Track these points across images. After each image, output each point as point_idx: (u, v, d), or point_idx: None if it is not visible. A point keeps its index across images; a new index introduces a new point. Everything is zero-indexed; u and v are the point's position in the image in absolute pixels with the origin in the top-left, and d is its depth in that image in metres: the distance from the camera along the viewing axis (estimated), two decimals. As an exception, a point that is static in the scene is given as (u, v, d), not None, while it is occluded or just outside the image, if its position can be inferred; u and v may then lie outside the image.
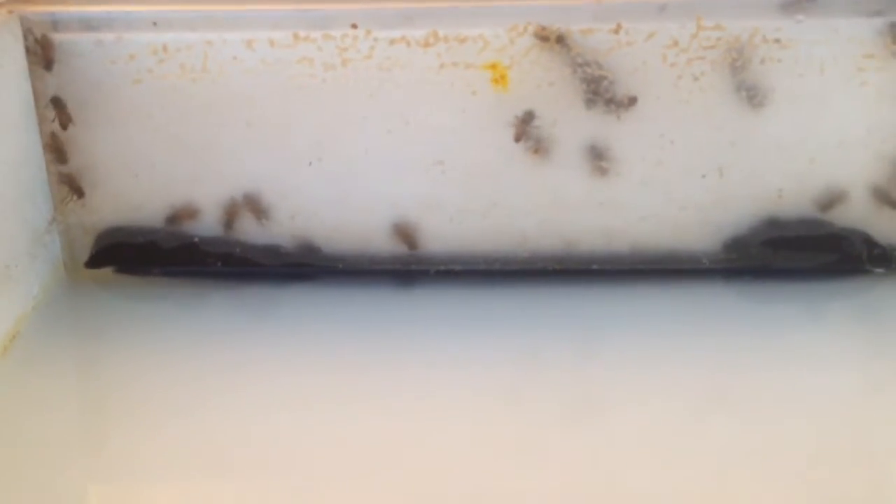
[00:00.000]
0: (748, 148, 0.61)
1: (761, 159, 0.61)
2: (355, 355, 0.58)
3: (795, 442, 0.51)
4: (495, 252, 0.64)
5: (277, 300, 0.64)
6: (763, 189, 0.62)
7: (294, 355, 0.58)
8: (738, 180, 0.62)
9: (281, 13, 0.59)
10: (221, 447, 0.52)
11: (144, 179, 0.63)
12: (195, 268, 0.65)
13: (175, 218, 0.64)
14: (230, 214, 0.63)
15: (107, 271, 0.65)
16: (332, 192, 0.63)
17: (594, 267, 0.64)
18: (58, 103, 0.61)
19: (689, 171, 0.62)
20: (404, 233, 0.64)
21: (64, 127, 0.61)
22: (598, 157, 0.61)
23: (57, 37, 0.60)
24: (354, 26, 0.59)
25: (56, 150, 0.62)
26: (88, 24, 0.60)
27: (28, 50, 0.60)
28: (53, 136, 0.62)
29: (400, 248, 0.64)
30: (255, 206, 0.63)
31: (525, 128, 0.60)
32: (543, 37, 0.57)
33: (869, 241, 0.63)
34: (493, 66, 0.59)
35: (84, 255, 0.65)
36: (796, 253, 0.63)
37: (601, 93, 0.59)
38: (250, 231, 0.64)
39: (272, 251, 0.65)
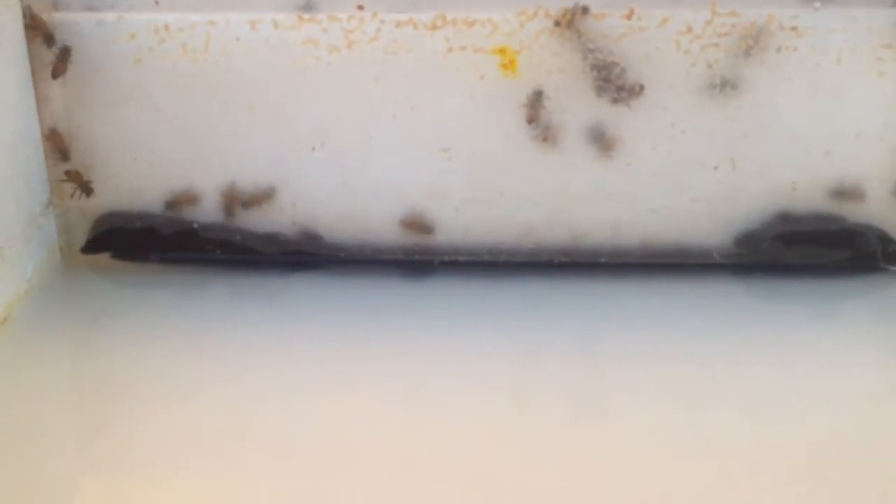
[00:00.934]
0: (762, 139, 0.60)
1: (775, 151, 0.60)
2: (356, 345, 0.57)
3: (805, 439, 0.50)
4: (501, 243, 0.63)
5: (278, 289, 0.63)
6: (776, 182, 0.61)
7: (294, 345, 0.57)
8: (750, 172, 0.60)
9: (286, -6, 0.59)
10: (218, 436, 0.51)
11: (144, 163, 0.62)
12: (194, 255, 0.64)
13: (174, 203, 0.63)
14: (230, 200, 0.62)
15: (103, 257, 0.64)
16: (335, 179, 0.62)
17: (602, 260, 0.63)
18: (64, 52, 0.59)
19: (700, 163, 0.60)
20: (417, 224, 0.62)
21: (54, 76, 0.60)
22: (607, 147, 0.60)
23: (57, 16, 0.59)
24: (361, 8, 0.58)
25: (59, 149, 0.62)
26: (89, 4, 0.60)
27: (27, 29, 0.59)
28: (54, 132, 0.61)
29: (413, 238, 0.63)
30: (253, 193, 0.62)
31: (537, 109, 0.58)
32: (564, 19, 0.55)
33: (884, 238, 0.62)
34: (502, 51, 0.58)
35: (81, 239, 0.64)
36: (809, 249, 0.62)
37: (612, 80, 0.58)
38: (251, 218, 0.63)
39: (273, 239, 0.64)
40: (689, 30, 0.58)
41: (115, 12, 0.59)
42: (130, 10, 0.59)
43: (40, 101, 0.61)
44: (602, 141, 0.60)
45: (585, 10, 0.57)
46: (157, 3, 0.59)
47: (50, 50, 0.60)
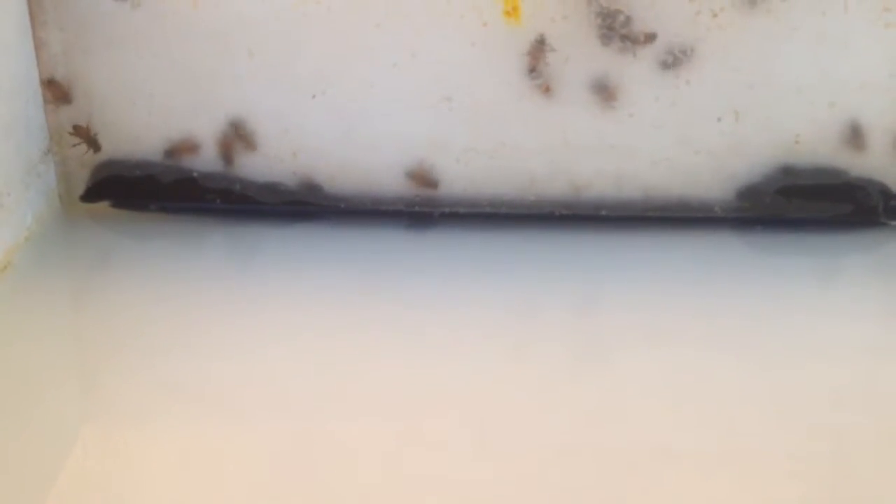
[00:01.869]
0: (767, 90, 0.59)
1: (779, 102, 0.59)
2: (355, 297, 0.57)
3: (805, 390, 0.50)
4: (502, 195, 0.63)
5: (277, 239, 0.63)
6: (780, 134, 0.60)
7: (292, 294, 0.57)
8: (754, 124, 0.60)
9: (287, -63, 0.58)
10: (218, 383, 0.51)
11: (142, 109, 0.61)
12: (193, 204, 0.63)
13: (174, 151, 0.62)
14: (226, 147, 0.62)
15: (103, 205, 0.64)
16: (335, 128, 0.61)
17: (603, 213, 0.63)
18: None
19: (704, 114, 0.60)
20: (423, 177, 0.62)
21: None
22: (610, 98, 0.59)
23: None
24: (362, -48, 0.58)
25: (59, 94, 0.61)
26: (88, -52, 0.59)
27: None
28: (52, 79, 0.61)
29: (415, 190, 0.62)
30: (246, 136, 0.61)
31: (541, 56, 0.58)
32: None
33: (886, 193, 0.62)
34: (506, -3, 0.58)
35: (80, 187, 0.64)
36: (811, 203, 0.62)
37: (616, 28, 0.58)
38: (251, 167, 0.62)
39: (272, 188, 0.63)
40: (695, -23, 0.57)
41: (113, -44, 0.58)
42: (130, -47, 0.58)
43: (38, 45, 0.60)
44: (605, 91, 0.60)
45: None
46: (156, -54, 0.58)
47: None
